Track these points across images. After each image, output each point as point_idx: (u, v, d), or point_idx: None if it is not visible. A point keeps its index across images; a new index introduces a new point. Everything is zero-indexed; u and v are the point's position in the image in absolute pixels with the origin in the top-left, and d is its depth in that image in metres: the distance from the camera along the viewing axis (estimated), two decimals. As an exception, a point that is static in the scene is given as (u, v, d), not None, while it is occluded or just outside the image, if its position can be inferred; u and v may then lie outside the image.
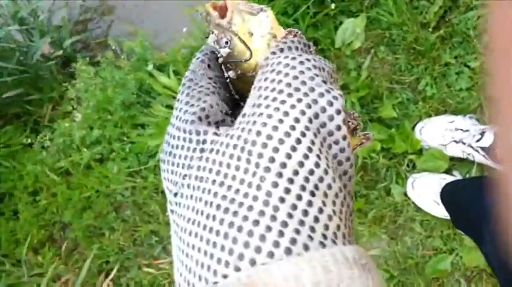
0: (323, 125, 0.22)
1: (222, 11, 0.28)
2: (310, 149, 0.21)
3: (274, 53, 0.25)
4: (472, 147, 1.10)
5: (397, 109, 1.17)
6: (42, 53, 1.63)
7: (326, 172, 0.21)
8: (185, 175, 0.24)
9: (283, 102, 0.22)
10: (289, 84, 0.23)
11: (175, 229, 0.24)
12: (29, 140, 1.55)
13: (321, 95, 0.22)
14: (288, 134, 0.21)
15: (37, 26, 1.69)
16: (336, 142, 0.22)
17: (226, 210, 0.20)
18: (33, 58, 1.65)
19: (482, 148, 1.07)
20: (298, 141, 0.21)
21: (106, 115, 1.41)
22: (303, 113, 0.22)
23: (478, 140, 1.08)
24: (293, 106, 0.22)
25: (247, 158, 0.21)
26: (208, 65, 0.29)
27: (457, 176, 1.14)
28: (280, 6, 1.18)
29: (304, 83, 0.23)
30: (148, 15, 1.76)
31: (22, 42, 1.72)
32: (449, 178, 1.12)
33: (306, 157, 0.21)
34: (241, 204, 0.20)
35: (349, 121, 0.28)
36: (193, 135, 0.25)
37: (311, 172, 0.21)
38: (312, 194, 0.20)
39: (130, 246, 1.42)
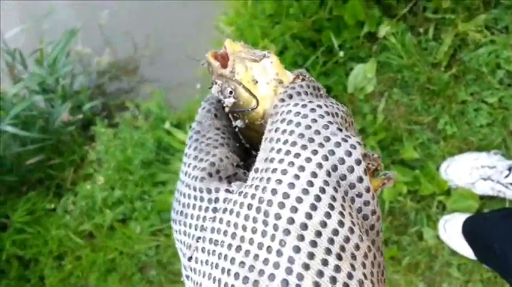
0: (343, 177, 0.20)
1: (224, 60, 0.27)
2: (331, 207, 0.19)
3: (283, 99, 0.24)
4: (501, 183, 1.06)
5: (418, 150, 1.15)
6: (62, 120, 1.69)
7: (352, 231, 0.19)
8: (199, 238, 0.22)
9: (297, 155, 0.20)
10: (302, 135, 0.21)
11: None
12: (53, 205, 1.57)
13: (338, 144, 0.21)
14: (306, 191, 0.19)
15: (59, 92, 1.76)
16: (359, 195, 0.21)
17: (246, 279, 0.18)
18: (54, 124, 1.71)
19: None
20: (318, 198, 0.19)
21: (127, 175, 1.43)
22: (320, 166, 0.20)
23: (506, 176, 1.05)
24: (309, 159, 0.20)
25: (264, 219, 0.19)
26: (215, 115, 0.28)
27: None
28: (290, 57, 1.21)
29: (318, 132, 0.21)
30: (162, 73, 1.83)
31: (44, 109, 1.79)
32: None
33: (328, 215, 0.19)
34: (261, 272, 0.18)
35: (368, 163, 0.26)
36: (205, 194, 0.23)
37: (335, 232, 0.19)
38: (339, 257, 0.18)
39: (158, 308, 1.39)
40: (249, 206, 0.20)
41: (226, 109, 0.27)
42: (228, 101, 0.26)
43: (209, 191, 0.23)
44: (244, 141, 0.28)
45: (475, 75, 1.15)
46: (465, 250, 1.09)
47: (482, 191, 1.10)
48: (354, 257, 0.19)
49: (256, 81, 0.25)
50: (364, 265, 0.19)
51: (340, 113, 0.23)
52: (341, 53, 1.24)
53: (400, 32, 1.18)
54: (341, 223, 0.19)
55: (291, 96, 0.24)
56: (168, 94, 1.56)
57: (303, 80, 0.25)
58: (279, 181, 0.20)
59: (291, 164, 0.20)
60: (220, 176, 0.24)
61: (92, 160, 1.53)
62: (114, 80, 1.97)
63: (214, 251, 0.20)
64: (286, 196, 0.19)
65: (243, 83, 0.26)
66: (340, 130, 0.21)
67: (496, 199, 1.10)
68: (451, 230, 1.10)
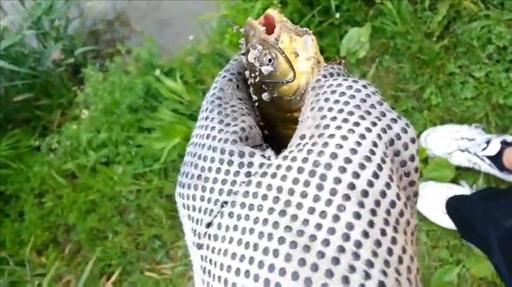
0: (397, 153, 0.20)
1: (270, 27, 0.26)
2: (391, 178, 0.19)
3: (325, 76, 0.24)
4: (477, 156, 1.09)
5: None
6: (53, 60, 1.67)
7: (406, 206, 0.19)
8: (225, 202, 0.20)
9: (356, 124, 0.20)
10: (358, 107, 0.21)
11: (207, 266, 0.20)
12: (37, 143, 1.57)
13: (394, 121, 0.20)
14: (368, 159, 0.19)
15: (52, 32, 1.74)
16: (407, 174, 0.20)
17: (293, 244, 0.17)
18: (45, 64, 1.69)
19: (488, 157, 1.07)
20: (380, 167, 0.19)
21: (113, 118, 1.43)
22: (380, 137, 0.20)
23: (483, 149, 1.08)
24: (369, 129, 0.20)
25: (319, 183, 0.18)
26: (237, 86, 0.27)
27: (463, 185, 1.14)
28: (287, 14, 1.20)
29: (373, 106, 0.21)
30: (157, 24, 1.81)
31: (35, 48, 1.77)
32: (455, 188, 1.12)
33: (388, 186, 0.18)
34: (313, 237, 0.17)
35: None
36: (235, 157, 0.21)
37: (393, 204, 0.18)
38: (395, 230, 0.18)
39: (133, 250, 1.42)
40: (300, 170, 0.19)
41: (256, 79, 0.26)
42: (265, 69, 0.25)
43: (242, 154, 0.21)
44: (259, 118, 0.28)
45: (466, 49, 1.16)
46: (436, 217, 1.13)
47: (459, 161, 1.13)
48: (405, 232, 0.18)
49: (297, 55, 0.25)
50: (412, 242, 0.19)
51: (378, 94, 0.22)
52: (337, 15, 1.24)
53: (397, -3, 1.18)
54: (398, 196, 0.19)
55: (332, 75, 0.24)
56: (161, 43, 1.55)
57: (339, 64, 0.25)
58: (340, 146, 0.19)
59: (351, 131, 0.19)
60: (248, 143, 0.23)
61: (79, 101, 1.52)
62: (108, 29, 1.95)
63: (247, 215, 0.19)
64: (348, 161, 0.18)
65: (286, 53, 0.25)
66: (393, 109, 0.21)
67: (471, 170, 1.13)
68: (424, 198, 1.13)
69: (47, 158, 1.58)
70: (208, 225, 0.21)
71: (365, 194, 0.18)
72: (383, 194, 0.18)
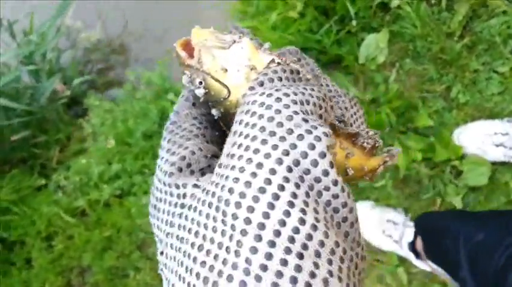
0: (307, 171, 0.19)
1: (190, 50, 0.25)
2: (291, 204, 0.18)
3: (252, 88, 0.22)
4: None
5: (433, 118, 1.16)
6: (54, 91, 1.59)
7: (315, 228, 0.18)
8: (168, 233, 0.22)
9: (256, 151, 0.19)
10: (263, 128, 0.20)
11: None
12: (43, 181, 1.47)
13: (301, 137, 0.19)
14: (263, 190, 0.18)
15: (45, 65, 1.66)
16: (327, 188, 0.19)
17: (206, 280, 0.18)
18: (40, 100, 1.60)
19: None
20: (276, 196, 0.18)
21: (126, 148, 1.36)
22: (280, 161, 0.19)
23: None
24: (268, 155, 0.19)
25: (223, 219, 0.19)
26: (194, 103, 0.27)
27: (399, 212, 1.14)
28: (307, 23, 1.19)
29: (280, 124, 0.20)
30: (151, 51, 1.76)
31: (29, 84, 1.68)
32: (391, 211, 1.14)
33: (288, 213, 0.18)
34: (220, 273, 0.18)
35: (363, 142, 0.26)
36: (174, 189, 0.22)
37: (296, 230, 0.18)
38: (300, 256, 0.17)
39: (159, 285, 1.33)
40: (210, 205, 0.19)
41: (201, 99, 0.26)
42: (199, 92, 0.25)
43: (177, 186, 0.22)
44: (225, 128, 0.27)
45: (487, 45, 1.17)
46: (376, 240, 1.14)
47: (494, 157, 1.12)
48: (318, 254, 0.18)
49: (226, 70, 0.24)
50: (330, 262, 0.18)
51: (312, 100, 0.21)
52: (353, 22, 1.23)
53: (415, 1, 1.18)
54: (302, 221, 0.18)
55: (262, 84, 0.22)
56: (168, 68, 1.50)
57: (278, 64, 0.23)
58: (236, 180, 0.19)
59: (249, 161, 0.19)
60: (193, 169, 0.23)
61: (86, 133, 1.44)
62: (102, 57, 1.89)
63: (180, 248, 0.20)
64: (242, 195, 0.18)
65: (210, 73, 0.24)
66: (306, 121, 0.20)
67: (507, 164, 1.12)
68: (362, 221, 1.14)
69: (53, 197, 1.48)
70: (161, 253, 0.22)
71: (262, 227, 0.18)
72: (282, 223, 0.18)
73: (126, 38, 1.87)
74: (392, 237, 1.11)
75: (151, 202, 0.24)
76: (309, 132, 0.19)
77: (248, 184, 0.18)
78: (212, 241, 0.19)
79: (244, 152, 0.19)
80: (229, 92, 0.24)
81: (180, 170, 0.23)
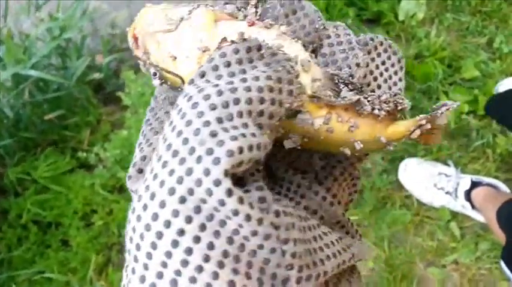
0: (203, 201, 0.17)
1: (137, 40, 0.23)
2: (175, 243, 0.16)
3: (192, 80, 0.19)
4: None
5: (478, 68, 1.16)
6: (84, 73, 1.58)
7: (200, 269, 0.16)
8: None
9: (155, 177, 0.17)
10: (169, 146, 0.17)
11: None
12: (83, 154, 1.45)
13: (199, 159, 0.17)
14: (148, 227, 0.17)
15: (71, 49, 1.66)
16: (228, 217, 0.17)
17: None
18: (72, 79, 1.60)
19: None
20: (159, 235, 0.17)
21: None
22: (172, 191, 0.17)
23: None
24: (162, 183, 0.17)
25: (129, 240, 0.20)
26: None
27: (450, 165, 1.14)
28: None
29: (186, 141, 0.17)
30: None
31: (56, 64, 1.67)
32: (440, 166, 1.15)
33: (169, 255, 0.17)
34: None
35: (373, 108, 0.22)
36: (132, 194, 0.22)
37: (177, 273, 0.17)
38: None
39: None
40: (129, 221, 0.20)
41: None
42: (155, 83, 0.23)
43: (132, 191, 0.22)
44: None
45: (527, -4, 1.19)
46: (426, 198, 1.15)
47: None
48: None
49: (175, 58, 0.21)
50: None
51: (248, 95, 0.18)
52: (392, -20, 1.24)
53: (453, -46, 1.20)
54: (184, 263, 0.16)
55: (203, 75, 0.19)
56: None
57: (232, 43, 0.19)
58: (133, 209, 0.18)
59: (147, 189, 0.18)
60: None
61: (126, 105, 1.43)
62: (124, 38, 1.88)
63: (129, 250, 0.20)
64: (133, 230, 0.18)
65: (158, 64, 0.22)
66: (214, 135, 0.17)
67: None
68: (411, 176, 1.14)
69: (89, 175, 1.46)
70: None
71: (145, 267, 0.17)
72: (164, 264, 0.17)
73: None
74: (444, 189, 1.11)
75: None
76: (210, 152, 0.17)
77: (139, 218, 0.18)
78: (133, 270, 0.18)
79: (149, 175, 0.18)
80: (183, 81, 0.21)
81: (140, 171, 0.22)
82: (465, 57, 1.17)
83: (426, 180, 1.13)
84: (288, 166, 0.25)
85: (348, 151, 0.23)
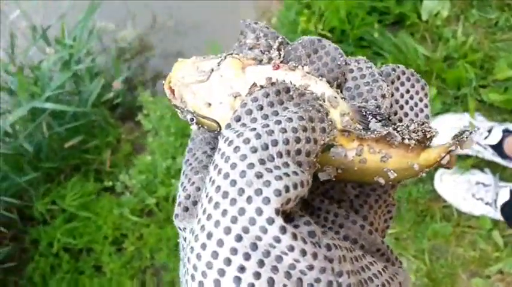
0: (258, 238, 0.17)
1: (173, 91, 0.25)
2: (237, 280, 0.17)
3: (228, 125, 0.20)
4: (480, 145, 1.07)
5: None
6: (98, 94, 1.56)
7: None
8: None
9: (209, 217, 0.18)
10: (218, 188, 0.18)
11: None
12: (109, 183, 1.44)
13: (249, 200, 0.17)
14: (209, 265, 0.17)
15: (83, 70, 1.63)
16: (284, 253, 0.17)
17: None
18: (87, 103, 1.57)
19: (491, 146, 1.05)
20: (222, 272, 0.17)
21: (188, 140, 1.33)
22: (228, 231, 0.17)
23: (485, 138, 1.05)
24: (217, 223, 0.18)
25: (186, 279, 0.19)
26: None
27: (487, 173, 1.10)
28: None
29: (233, 183, 0.18)
30: (183, 47, 1.73)
31: (69, 90, 1.65)
32: (478, 174, 1.11)
33: None
34: None
35: (403, 138, 0.23)
36: (180, 231, 0.23)
37: None
38: None
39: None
40: (187, 259, 0.19)
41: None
42: (194, 128, 0.25)
43: (180, 229, 0.23)
44: None
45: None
46: (465, 207, 1.10)
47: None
48: None
49: (210, 104, 0.23)
50: None
51: (285, 136, 0.19)
52: (413, -20, 1.19)
53: None
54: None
55: (239, 119, 0.20)
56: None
57: (261, 88, 0.21)
58: (192, 249, 0.18)
59: (202, 229, 0.18)
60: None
61: (147, 129, 1.41)
62: (136, 56, 1.85)
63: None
64: (195, 268, 0.18)
65: (195, 111, 0.23)
66: (259, 176, 0.18)
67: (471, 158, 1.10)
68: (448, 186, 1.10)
69: (116, 200, 1.45)
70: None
71: None
72: None
73: (156, 34, 1.84)
74: (483, 200, 1.07)
75: None
76: (259, 193, 0.17)
77: (198, 257, 0.18)
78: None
79: (202, 216, 0.18)
80: (219, 126, 0.23)
81: (186, 209, 0.23)
82: (496, 57, 1.12)
83: (464, 190, 1.09)
84: (323, 196, 0.26)
85: (382, 180, 0.24)
